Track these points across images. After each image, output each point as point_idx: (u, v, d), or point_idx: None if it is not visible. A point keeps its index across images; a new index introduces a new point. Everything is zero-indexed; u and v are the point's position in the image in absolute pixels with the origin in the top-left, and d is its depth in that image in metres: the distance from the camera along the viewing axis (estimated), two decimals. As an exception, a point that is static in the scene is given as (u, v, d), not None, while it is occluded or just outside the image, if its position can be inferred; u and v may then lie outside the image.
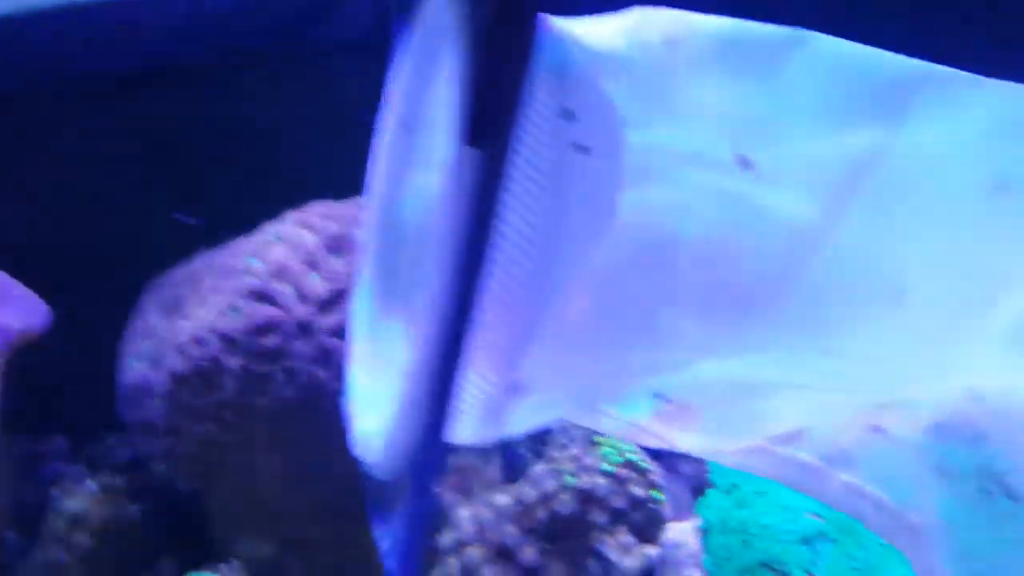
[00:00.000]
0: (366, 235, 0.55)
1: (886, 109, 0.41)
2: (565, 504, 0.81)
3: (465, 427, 0.40)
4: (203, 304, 0.83)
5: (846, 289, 0.44)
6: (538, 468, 0.84)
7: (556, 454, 0.87)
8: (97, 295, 1.06)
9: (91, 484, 0.92)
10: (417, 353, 0.37)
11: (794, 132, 0.41)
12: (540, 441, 0.93)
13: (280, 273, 0.84)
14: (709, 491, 0.91)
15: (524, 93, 0.34)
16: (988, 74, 0.41)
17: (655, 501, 0.80)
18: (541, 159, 0.36)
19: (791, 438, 0.44)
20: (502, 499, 0.84)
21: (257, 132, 1.12)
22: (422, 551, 0.36)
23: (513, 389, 0.39)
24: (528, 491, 0.83)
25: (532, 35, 0.34)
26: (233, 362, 0.82)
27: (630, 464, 0.81)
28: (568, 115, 0.38)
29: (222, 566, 0.80)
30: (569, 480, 0.81)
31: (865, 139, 0.41)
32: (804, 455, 0.46)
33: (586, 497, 0.81)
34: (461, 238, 0.32)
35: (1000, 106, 0.41)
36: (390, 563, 0.39)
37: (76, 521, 0.87)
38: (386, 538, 0.42)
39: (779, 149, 0.41)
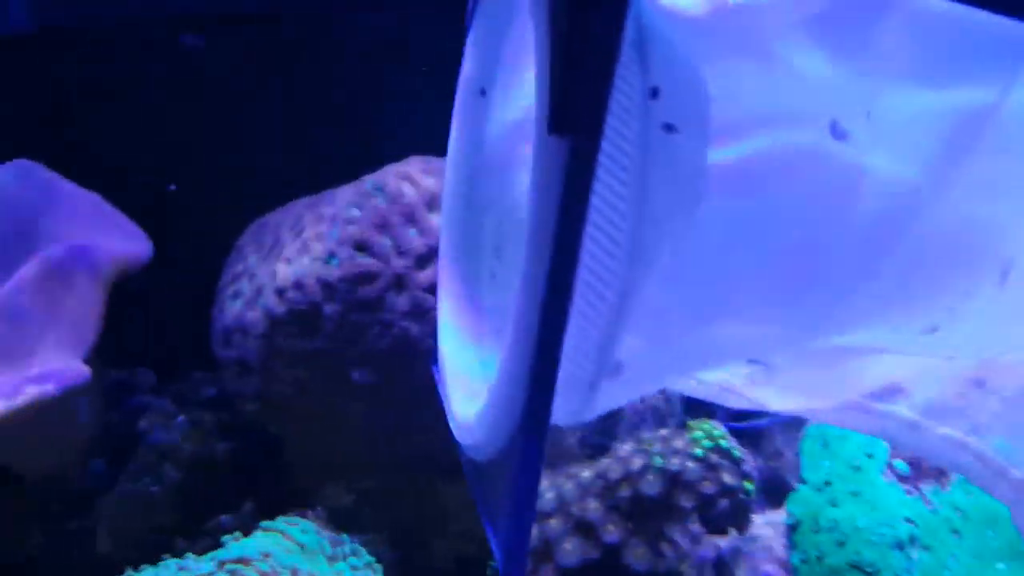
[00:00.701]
0: (446, 199, 0.54)
1: (991, 69, 0.39)
2: (651, 485, 0.79)
3: (560, 408, 0.39)
4: (304, 250, 0.84)
5: (947, 262, 0.42)
6: (626, 447, 0.82)
7: (646, 434, 0.85)
8: (192, 232, 1.07)
9: (182, 419, 0.93)
10: (513, 335, 0.36)
11: (891, 96, 0.39)
12: (628, 421, 0.91)
13: (381, 225, 0.83)
14: (801, 487, 0.88)
15: (614, 75, 0.32)
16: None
17: (745, 491, 0.78)
18: (627, 142, 0.36)
19: (888, 393, 0.45)
20: (586, 474, 0.82)
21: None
22: (528, 541, 0.35)
23: (608, 370, 0.39)
24: (614, 468, 0.81)
25: (624, 5, 0.31)
26: (330, 309, 0.82)
27: (720, 450, 0.79)
28: (654, 93, 0.36)
29: (309, 512, 0.81)
30: (657, 461, 0.80)
31: (969, 100, 0.39)
32: (902, 409, 0.46)
33: (673, 480, 0.79)
34: (551, 228, 0.32)
35: None
36: (503, 560, 0.38)
37: (167, 454, 0.89)
38: (496, 528, 0.41)
39: (876, 115, 0.39)
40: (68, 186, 1.01)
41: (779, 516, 0.89)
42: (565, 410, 0.38)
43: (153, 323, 1.16)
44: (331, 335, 0.85)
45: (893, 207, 0.39)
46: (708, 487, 0.81)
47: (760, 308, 0.40)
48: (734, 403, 0.48)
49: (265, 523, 0.78)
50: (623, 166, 0.35)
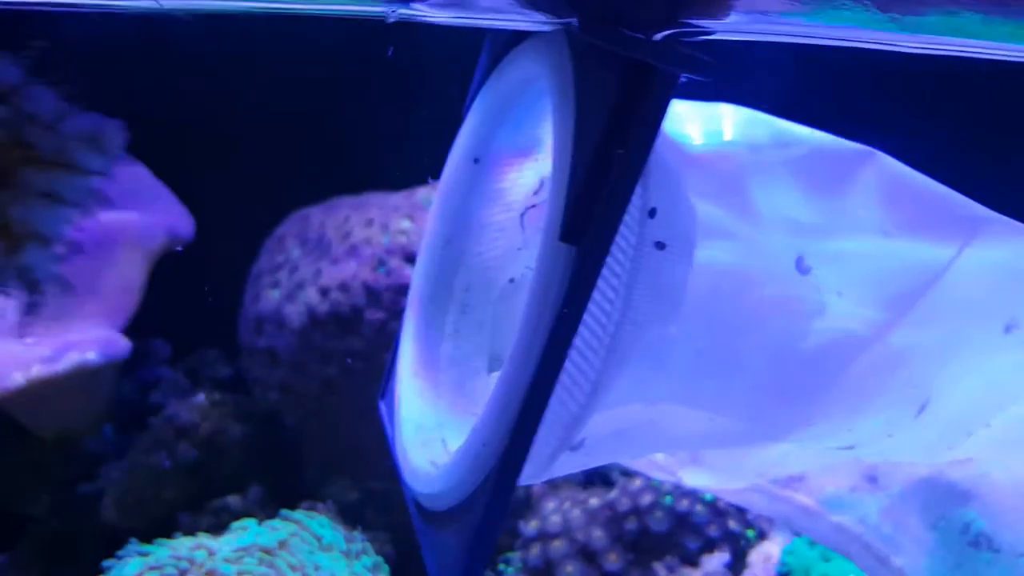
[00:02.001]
0: (423, 251, 0.60)
1: (946, 233, 0.47)
2: (659, 522, 0.83)
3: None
4: (353, 253, 0.88)
5: (878, 393, 0.49)
6: (637, 482, 0.86)
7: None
8: (228, 217, 1.09)
9: (202, 397, 0.95)
10: (492, 408, 0.42)
11: (855, 241, 0.47)
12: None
13: (429, 239, 0.87)
14: (795, 539, 0.93)
15: (628, 203, 0.37)
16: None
17: (747, 538, 0.83)
18: (622, 254, 0.42)
19: (791, 481, 0.53)
20: (593, 501, 0.86)
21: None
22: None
23: (569, 446, 0.45)
24: (623, 500, 0.85)
25: (657, 128, 0.35)
26: (373, 315, 0.85)
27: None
28: (652, 213, 0.42)
29: (319, 505, 0.84)
30: (667, 500, 0.84)
31: (925, 255, 0.47)
32: (801, 496, 0.53)
33: (681, 520, 0.84)
34: (548, 323, 0.37)
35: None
36: None
37: (185, 431, 0.91)
38: (436, 566, 0.46)
39: (839, 256, 0.47)
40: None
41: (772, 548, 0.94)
42: (524, 473, 0.44)
43: (170, 295, 1.18)
44: (370, 340, 0.88)
45: (843, 340, 0.47)
46: (713, 531, 0.86)
47: (712, 411, 0.48)
48: (657, 475, 0.55)
49: (284, 512, 0.81)
50: (615, 274, 0.42)
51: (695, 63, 0.32)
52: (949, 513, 0.52)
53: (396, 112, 1.18)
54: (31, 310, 0.35)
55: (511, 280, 0.58)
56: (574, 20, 0.33)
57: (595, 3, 0.32)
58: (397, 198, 0.98)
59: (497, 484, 0.40)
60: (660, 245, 0.41)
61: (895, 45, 0.41)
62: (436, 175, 0.99)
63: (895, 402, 0.50)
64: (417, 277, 0.59)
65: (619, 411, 0.45)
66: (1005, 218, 0.47)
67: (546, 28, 0.36)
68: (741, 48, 0.38)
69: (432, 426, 0.55)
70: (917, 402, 0.50)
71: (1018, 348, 0.49)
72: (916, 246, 0.47)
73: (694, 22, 0.32)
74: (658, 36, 0.32)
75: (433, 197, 0.96)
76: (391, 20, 0.36)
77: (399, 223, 0.94)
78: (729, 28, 0.33)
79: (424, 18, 0.40)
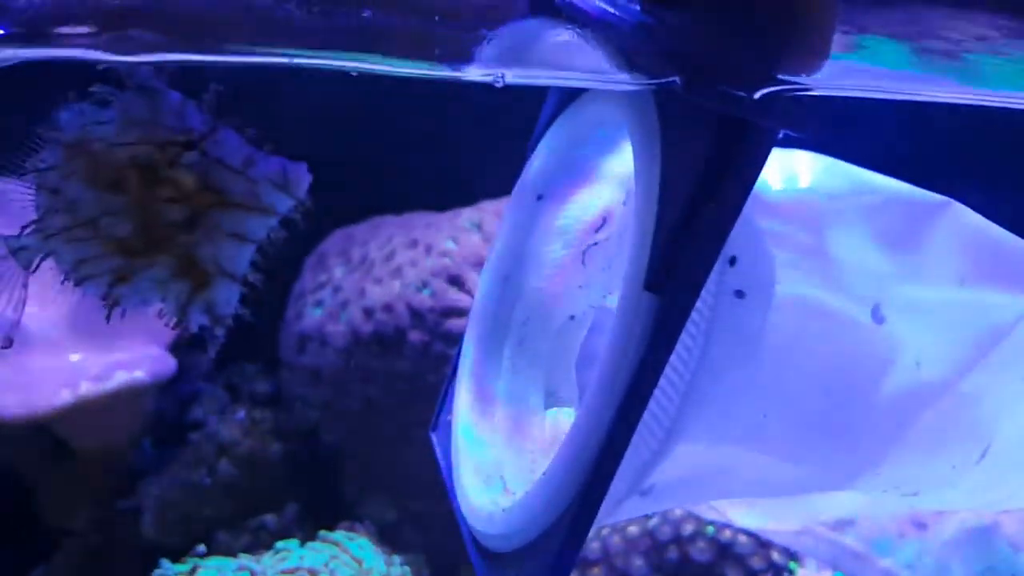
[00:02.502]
0: (483, 285, 0.60)
1: (1019, 287, 0.47)
2: (701, 552, 0.83)
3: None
4: (397, 274, 0.88)
5: (944, 439, 0.49)
6: (678, 510, 0.86)
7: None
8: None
9: (242, 414, 0.96)
10: (569, 450, 0.42)
11: (930, 292, 0.47)
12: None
13: (475, 263, 0.87)
14: (837, 573, 0.92)
15: (718, 255, 0.37)
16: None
17: (789, 570, 0.82)
18: (701, 302, 0.42)
19: (840, 524, 0.54)
20: (632, 529, 0.86)
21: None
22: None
23: (640, 491, 0.45)
24: (664, 529, 0.85)
25: (751, 185, 0.35)
26: (416, 336, 0.85)
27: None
28: (732, 262, 0.42)
29: (358, 526, 0.84)
30: (710, 530, 0.83)
31: (997, 307, 0.47)
32: (850, 540, 0.54)
33: (723, 551, 0.83)
34: (630, 370, 0.37)
35: None
36: None
37: (226, 448, 0.92)
38: None
39: (914, 306, 0.47)
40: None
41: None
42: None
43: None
44: (413, 361, 0.88)
45: (915, 390, 0.47)
46: (757, 563, 0.85)
47: (781, 458, 0.48)
48: (707, 515, 0.55)
49: (323, 533, 0.81)
50: (694, 322, 0.42)
51: (794, 118, 0.32)
52: (997, 564, 0.52)
53: (442, 135, 1.19)
54: (197, 342, 0.37)
55: (571, 317, 0.58)
56: (676, 79, 0.33)
57: (697, 65, 0.32)
58: (441, 219, 0.98)
59: (572, 527, 0.40)
60: (740, 294, 0.42)
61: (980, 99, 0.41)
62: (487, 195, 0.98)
63: (960, 449, 0.50)
64: (476, 312, 0.59)
65: (690, 457, 0.45)
66: None
67: (642, 88, 0.36)
68: (840, 100, 0.38)
69: (491, 464, 0.54)
70: (980, 447, 0.50)
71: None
72: (990, 296, 0.47)
73: (792, 79, 0.32)
74: (758, 94, 0.32)
75: (477, 218, 0.96)
76: (499, 85, 0.37)
77: (443, 244, 0.94)
78: (826, 84, 0.33)
79: (531, 81, 0.40)
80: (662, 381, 0.41)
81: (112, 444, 0.99)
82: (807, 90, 0.33)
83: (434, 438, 0.64)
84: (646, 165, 0.38)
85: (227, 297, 0.36)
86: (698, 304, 0.40)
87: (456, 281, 0.93)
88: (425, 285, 0.92)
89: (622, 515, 0.48)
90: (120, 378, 0.81)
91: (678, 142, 0.36)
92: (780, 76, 0.32)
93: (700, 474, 0.47)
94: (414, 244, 0.96)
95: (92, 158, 0.36)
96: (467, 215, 0.98)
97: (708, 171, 0.34)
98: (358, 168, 1.21)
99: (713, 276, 0.41)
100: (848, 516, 0.54)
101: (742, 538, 0.91)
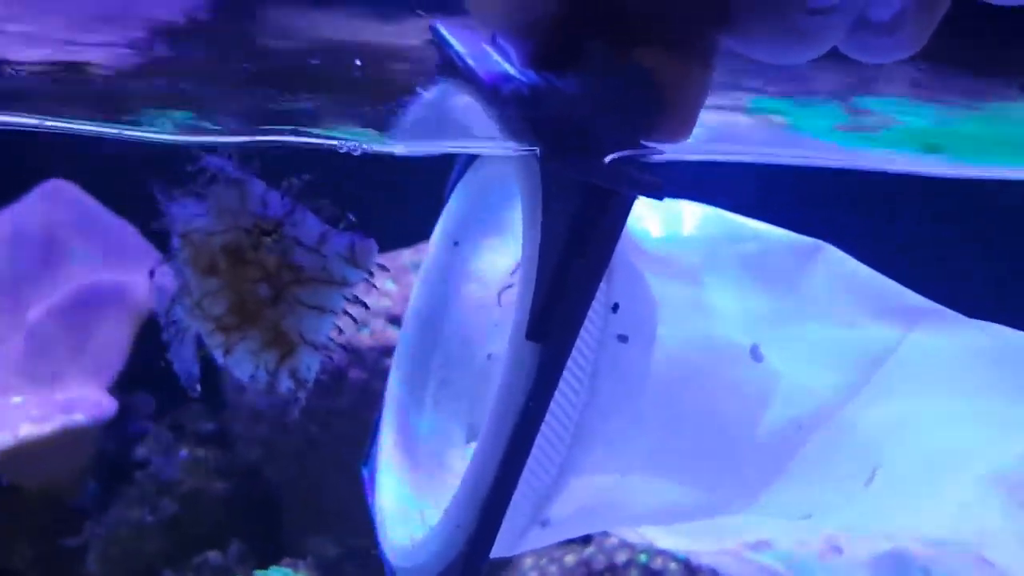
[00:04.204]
0: (405, 329, 0.63)
1: (890, 321, 0.50)
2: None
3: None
4: (337, 316, 0.90)
5: (830, 465, 0.52)
6: (613, 539, 0.89)
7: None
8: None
9: (185, 454, 0.98)
10: (466, 488, 0.44)
11: (807, 329, 0.50)
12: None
13: (412, 302, 0.90)
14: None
15: (590, 304, 0.40)
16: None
17: (719, 597, 0.86)
18: (586, 347, 0.45)
19: (760, 545, 0.55)
20: (569, 558, 0.89)
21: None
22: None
23: (538, 524, 0.48)
24: (599, 558, 0.88)
25: (614, 243, 0.38)
26: (356, 374, 0.88)
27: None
28: (615, 308, 0.45)
29: (300, 562, 0.86)
30: (642, 559, 0.87)
31: (872, 340, 0.50)
32: (769, 561, 0.55)
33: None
34: (515, 415, 0.40)
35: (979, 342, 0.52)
36: None
37: (167, 488, 0.94)
38: None
39: (792, 343, 0.50)
40: (101, 211, 1.06)
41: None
42: (496, 547, 0.47)
43: (153, 347, 1.20)
44: (352, 398, 0.91)
45: (796, 420, 0.50)
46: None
47: (675, 489, 0.50)
48: (630, 537, 0.58)
49: (259, 573, 0.84)
50: (580, 366, 0.45)
51: (645, 185, 0.36)
52: None
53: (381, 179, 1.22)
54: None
55: (489, 356, 0.62)
56: (537, 149, 0.37)
57: (554, 134, 0.35)
58: (381, 260, 1.01)
59: (468, 562, 0.43)
60: (623, 338, 0.44)
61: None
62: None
63: (847, 472, 0.53)
64: (399, 353, 0.62)
65: (585, 489, 0.48)
66: (941, 307, 0.51)
67: (513, 153, 0.40)
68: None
69: (411, 498, 0.58)
70: (866, 471, 0.53)
71: (956, 424, 0.53)
72: (866, 330, 0.51)
73: (650, 144, 0.36)
74: (608, 158, 0.35)
75: (417, 259, 0.99)
76: (356, 153, 0.41)
77: (382, 284, 0.97)
78: (681, 149, 0.37)
79: (391, 151, 0.44)
80: (554, 420, 0.44)
81: (55, 484, 1.01)
82: (661, 154, 0.37)
83: (365, 473, 0.67)
84: (529, 224, 0.41)
85: (309, 363, 0.40)
86: (583, 349, 0.44)
87: (396, 320, 0.96)
88: (364, 324, 0.95)
89: (527, 545, 0.50)
90: (60, 420, 0.84)
91: (555, 203, 0.39)
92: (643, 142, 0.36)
93: (597, 504, 0.49)
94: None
95: (194, 246, 0.40)
96: (407, 256, 1.01)
97: (576, 231, 0.37)
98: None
99: (597, 323, 0.44)
100: (766, 538, 0.57)
101: (673, 565, 0.94)
